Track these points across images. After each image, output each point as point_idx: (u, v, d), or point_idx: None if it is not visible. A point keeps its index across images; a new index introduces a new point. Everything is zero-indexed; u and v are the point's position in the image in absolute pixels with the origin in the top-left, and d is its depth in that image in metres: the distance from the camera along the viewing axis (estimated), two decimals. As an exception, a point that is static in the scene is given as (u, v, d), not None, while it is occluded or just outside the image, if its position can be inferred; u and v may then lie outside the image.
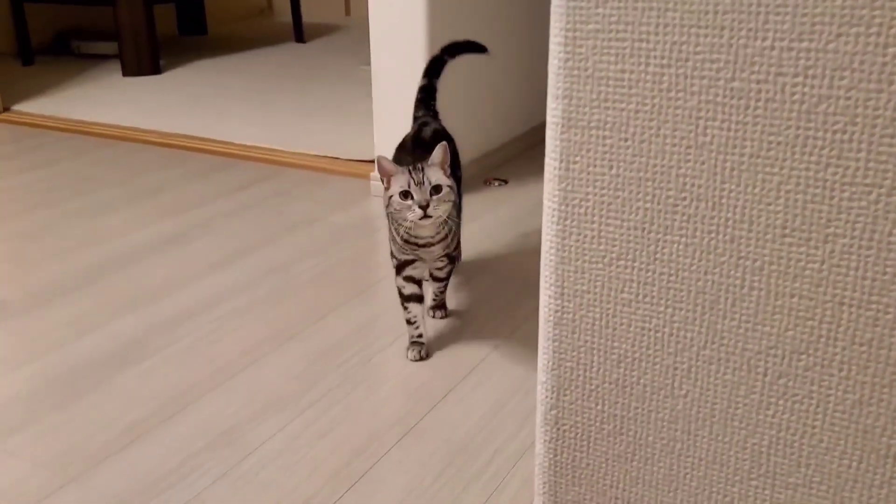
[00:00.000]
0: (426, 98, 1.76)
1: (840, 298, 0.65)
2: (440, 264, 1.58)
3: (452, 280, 1.79)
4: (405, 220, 1.40)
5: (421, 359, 1.54)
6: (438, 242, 1.49)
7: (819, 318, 0.66)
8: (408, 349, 1.55)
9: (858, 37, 0.58)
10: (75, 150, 2.87)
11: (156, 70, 3.96)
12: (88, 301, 1.77)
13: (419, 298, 1.55)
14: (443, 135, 1.64)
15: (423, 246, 1.49)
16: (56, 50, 4.58)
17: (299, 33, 4.82)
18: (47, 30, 4.63)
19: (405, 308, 1.55)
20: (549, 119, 0.72)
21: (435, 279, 1.62)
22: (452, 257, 1.60)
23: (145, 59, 3.91)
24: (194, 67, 4.17)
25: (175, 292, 1.81)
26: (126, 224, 2.20)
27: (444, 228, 1.48)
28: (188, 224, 2.20)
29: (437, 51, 1.80)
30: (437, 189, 1.39)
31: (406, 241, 1.49)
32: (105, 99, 3.50)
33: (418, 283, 1.55)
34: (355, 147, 2.71)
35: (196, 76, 3.96)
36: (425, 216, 1.38)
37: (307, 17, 5.46)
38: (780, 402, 0.69)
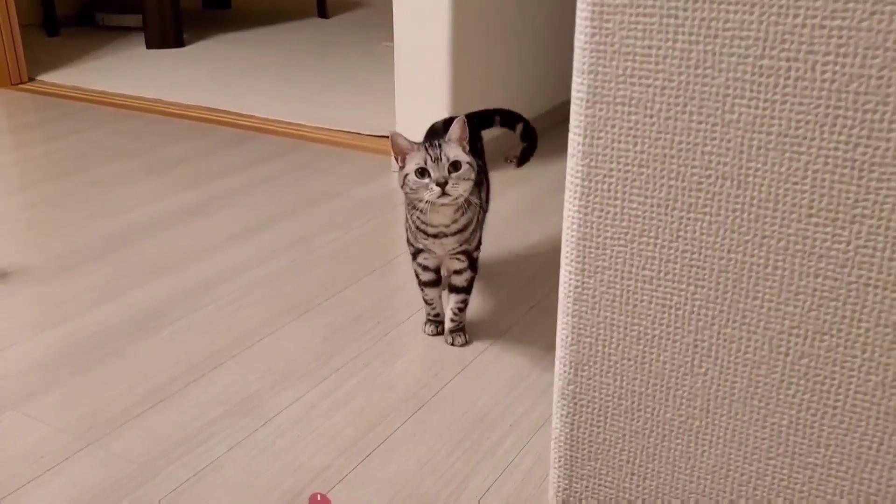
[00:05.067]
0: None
1: (866, 280, 0.64)
2: (459, 266, 1.47)
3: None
4: (421, 200, 1.32)
5: (437, 334, 1.53)
6: (453, 234, 1.40)
7: (844, 299, 0.66)
8: (425, 324, 1.55)
9: (893, 15, 0.58)
10: (98, 121, 2.88)
11: (179, 43, 3.96)
12: (110, 269, 1.79)
13: (436, 283, 1.51)
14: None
15: (435, 236, 1.40)
16: (81, 22, 4.58)
17: (322, 9, 4.80)
18: (72, 2, 4.64)
19: (422, 290, 1.52)
20: (573, 94, 0.71)
21: (453, 289, 1.50)
22: (474, 261, 1.49)
23: (169, 32, 3.91)
24: (217, 41, 4.17)
25: (196, 262, 1.82)
26: (148, 194, 2.21)
27: (461, 217, 1.39)
28: (209, 195, 2.21)
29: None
30: (455, 166, 1.31)
31: (417, 228, 1.41)
32: (128, 71, 3.51)
33: (434, 270, 1.50)
34: (377, 123, 2.71)
35: (219, 50, 3.96)
36: (444, 194, 1.30)
37: (331, -8, 5.44)
38: (802, 382, 0.69)
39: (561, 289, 0.78)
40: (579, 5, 0.69)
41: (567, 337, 0.78)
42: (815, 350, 0.68)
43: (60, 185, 2.28)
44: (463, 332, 1.51)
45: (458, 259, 1.46)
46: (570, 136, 0.73)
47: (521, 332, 1.55)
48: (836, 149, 0.62)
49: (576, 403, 0.80)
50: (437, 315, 1.54)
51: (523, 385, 1.39)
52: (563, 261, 0.77)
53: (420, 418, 1.30)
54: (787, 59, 0.62)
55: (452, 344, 1.50)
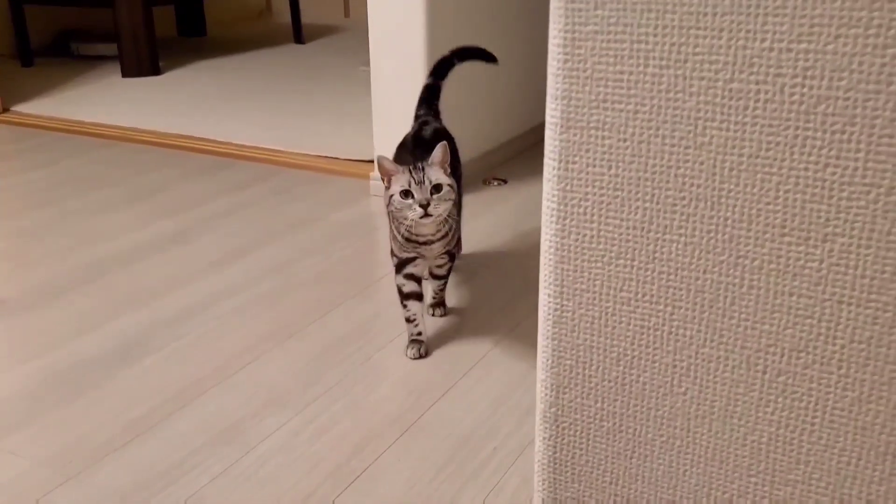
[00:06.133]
0: (429, 97, 1.76)
1: (839, 297, 0.65)
2: (440, 262, 1.60)
3: (453, 277, 1.80)
4: (406, 218, 1.42)
5: (420, 357, 1.54)
6: (439, 240, 1.51)
7: (818, 316, 0.66)
8: (407, 347, 1.56)
9: (857, 38, 0.59)
10: (75, 151, 2.87)
11: (155, 71, 3.96)
12: (89, 299, 1.78)
13: (419, 296, 1.56)
14: (443, 134, 1.66)
15: (424, 244, 1.51)
16: (55, 51, 4.58)
17: (298, 34, 4.82)
18: (47, 31, 4.63)
19: (404, 306, 1.55)
20: (548, 119, 0.72)
21: (435, 277, 1.65)
22: (452, 255, 1.62)
23: (144, 60, 3.91)
24: (194, 68, 4.17)
25: (176, 290, 1.81)
26: (126, 223, 2.20)
27: (444, 226, 1.50)
28: (188, 223, 2.20)
29: (446, 52, 1.80)
30: (437, 188, 1.41)
31: (407, 240, 1.50)
32: (104, 100, 3.50)
33: (418, 280, 1.56)
34: (355, 147, 2.72)
35: (195, 77, 3.96)
36: (426, 215, 1.40)
37: (306, 18, 5.46)
38: (780, 399, 0.70)
39: (540, 312, 0.79)
40: (552, 32, 0.70)
41: (547, 360, 0.79)
42: (791, 367, 0.69)
43: (38, 216, 2.27)
44: (443, 304, 1.70)
45: (441, 258, 1.59)
46: (546, 160, 0.74)
47: (503, 352, 1.56)
48: (806, 169, 0.64)
49: (558, 426, 0.80)
50: (419, 334, 1.56)
51: (507, 406, 1.39)
52: (541, 284, 0.78)
53: (404, 442, 1.30)
54: (756, 83, 0.63)
55: (433, 315, 1.68)
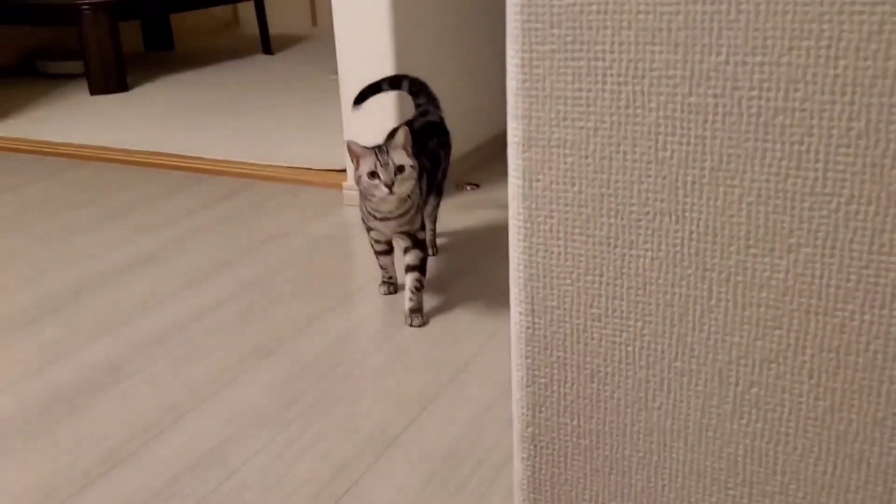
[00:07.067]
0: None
1: (806, 307, 0.65)
2: (404, 244, 1.71)
3: (430, 283, 1.80)
4: (373, 196, 1.59)
5: (390, 293, 1.83)
6: (395, 218, 1.67)
7: (787, 326, 0.66)
8: (379, 286, 1.85)
9: (810, 50, 0.59)
10: (44, 172, 2.84)
11: (123, 87, 3.93)
12: (63, 325, 1.76)
13: (388, 252, 1.79)
14: (436, 128, 1.86)
15: (382, 219, 1.67)
16: (21, 71, 4.53)
17: (266, 45, 4.80)
18: (11, 51, 4.59)
19: (377, 258, 1.81)
20: (510, 139, 0.72)
21: (408, 269, 1.71)
22: (419, 241, 1.71)
23: (112, 76, 3.88)
24: (162, 83, 4.14)
25: (151, 312, 1.80)
26: (98, 245, 2.18)
27: (403, 205, 1.65)
28: (161, 242, 2.18)
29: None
30: (400, 169, 1.57)
31: (369, 213, 1.69)
32: (73, 118, 3.47)
33: (386, 242, 1.77)
34: (327, 156, 2.70)
35: (164, 92, 3.94)
36: (391, 193, 1.57)
37: (274, 28, 5.45)
38: (753, 411, 0.70)
39: (512, 330, 0.78)
40: (509, 53, 0.69)
41: (522, 378, 0.78)
42: (763, 379, 0.68)
43: (6, 242, 2.24)
44: (420, 312, 1.72)
45: (402, 238, 1.71)
46: (510, 179, 0.73)
47: (481, 363, 1.55)
48: (767, 181, 0.63)
49: (535, 445, 0.80)
50: (390, 278, 1.84)
51: (489, 416, 1.39)
52: (512, 302, 0.77)
53: (388, 458, 1.30)
54: (714, 96, 0.63)
55: (411, 324, 1.70)
